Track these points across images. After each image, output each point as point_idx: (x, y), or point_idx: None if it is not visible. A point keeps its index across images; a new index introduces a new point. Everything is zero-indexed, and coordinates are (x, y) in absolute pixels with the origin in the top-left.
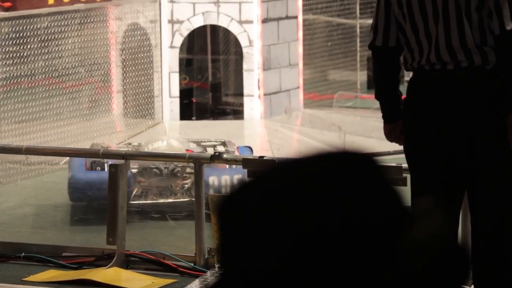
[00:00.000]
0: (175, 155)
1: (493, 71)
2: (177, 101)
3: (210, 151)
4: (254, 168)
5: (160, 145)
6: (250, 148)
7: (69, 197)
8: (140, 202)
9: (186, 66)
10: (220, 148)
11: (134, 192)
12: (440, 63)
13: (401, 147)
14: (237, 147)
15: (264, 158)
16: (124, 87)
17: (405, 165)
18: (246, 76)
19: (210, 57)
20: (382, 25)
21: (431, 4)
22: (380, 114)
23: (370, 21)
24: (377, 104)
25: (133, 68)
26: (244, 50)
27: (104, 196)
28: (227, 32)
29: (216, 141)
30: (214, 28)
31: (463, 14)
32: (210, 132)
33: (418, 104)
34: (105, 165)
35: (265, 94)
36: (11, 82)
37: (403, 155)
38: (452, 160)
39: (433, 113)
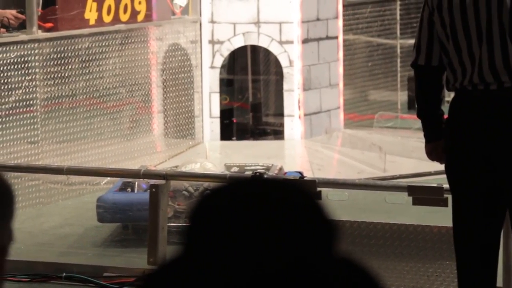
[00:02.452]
0: (215, 176)
1: None
2: (217, 121)
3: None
4: None
5: (194, 167)
6: (300, 173)
7: (96, 218)
8: (179, 224)
9: (227, 86)
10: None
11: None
12: (483, 83)
13: (442, 168)
14: (285, 172)
15: (305, 178)
16: (165, 107)
17: (446, 186)
18: (286, 96)
19: (250, 77)
20: (425, 44)
21: (475, 25)
22: (421, 134)
23: (410, 41)
24: (417, 124)
25: (174, 88)
26: (285, 70)
27: (132, 217)
28: (267, 52)
29: (261, 166)
30: (255, 49)
31: (507, 36)
32: (250, 153)
33: (460, 124)
34: (136, 186)
35: (305, 114)
36: (53, 102)
37: (444, 176)
38: (494, 180)
39: (475, 133)
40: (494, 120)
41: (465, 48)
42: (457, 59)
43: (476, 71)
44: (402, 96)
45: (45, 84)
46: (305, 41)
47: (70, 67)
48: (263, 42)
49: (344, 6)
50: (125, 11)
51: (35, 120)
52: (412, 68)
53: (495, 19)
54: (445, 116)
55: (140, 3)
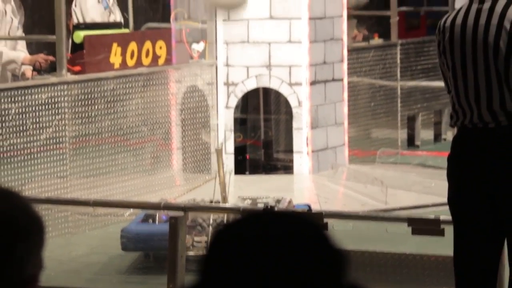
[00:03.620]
0: (230, 208)
1: None
2: (232, 157)
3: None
4: None
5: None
6: (308, 206)
7: (120, 247)
8: (197, 253)
9: (241, 125)
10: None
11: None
12: (482, 123)
13: (439, 200)
14: (294, 205)
15: (312, 211)
16: (183, 144)
17: (443, 217)
18: (295, 134)
19: (262, 117)
20: (443, 77)
21: (472, 71)
22: (418, 169)
23: (410, 83)
24: (417, 160)
25: (192, 127)
26: (294, 110)
27: (153, 247)
28: (278, 93)
29: (272, 199)
30: (266, 90)
31: (503, 80)
32: (262, 186)
33: (462, 159)
34: (157, 218)
35: (313, 151)
36: (80, 140)
37: (441, 208)
38: (493, 211)
39: (475, 168)
40: (492, 155)
41: (463, 92)
42: (458, 101)
43: (476, 112)
44: (402, 134)
45: (73, 123)
46: (312, 83)
47: (96, 107)
48: (274, 84)
49: (348, 50)
50: (147, 56)
51: (64, 156)
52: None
53: (492, 65)
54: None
55: (160, 48)
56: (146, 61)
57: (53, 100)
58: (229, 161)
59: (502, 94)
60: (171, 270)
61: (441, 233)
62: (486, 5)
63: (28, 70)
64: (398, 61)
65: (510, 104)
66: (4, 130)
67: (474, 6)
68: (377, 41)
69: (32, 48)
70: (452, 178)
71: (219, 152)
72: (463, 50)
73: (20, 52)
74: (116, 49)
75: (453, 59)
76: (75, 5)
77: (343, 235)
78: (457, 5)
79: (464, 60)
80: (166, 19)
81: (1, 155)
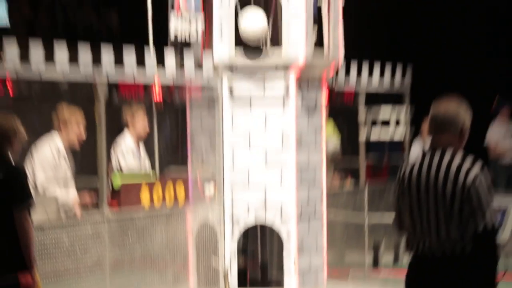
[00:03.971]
0: None
1: (471, 257)
2: (235, 277)
3: None
4: None
5: None
6: None
7: None
8: None
9: (243, 251)
10: None
11: None
12: (430, 252)
13: None
14: None
15: None
16: (198, 266)
17: None
18: (285, 258)
19: (259, 245)
20: (397, 215)
21: (426, 210)
22: (382, 285)
23: (375, 217)
24: (380, 277)
25: (204, 253)
26: (284, 240)
27: None
28: (271, 228)
29: None
30: (263, 225)
31: (448, 218)
32: None
33: (416, 280)
34: None
35: (299, 271)
36: (117, 263)
37: None
38: None
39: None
40: (438, 278)
41: (419, 225)
42: (413, 232)
43: (427, 241)
44: (369, 257)
45: (112, 250)
46: (299, 220)
47: (130, 237)
48: (268, 220)
49: (327, 193)
50: (169, 197)
51: (105, 276)
52: (393, 226)
53: (440, 206)
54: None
55: (180, 192)
56: (169, 202)
57: (96, 232)
58: (233, 278)
59: (448, 228)
60: None
61: None
62: (436, 159)
63: (77, 209)
64: (366, 200)
65: (455, 235)
66: (59, 255)
67: (427, 159)
68: (349, 185)
69: (80, 189)
70: None
71: (225, 276)
72: (419, 192)
73: (71, 195)
74: (145, 193)
75: (410, 199)
76: (114, 156)
77: None
78: (411, 157)
79: (419, 200)
80: (184, 162)
81: (57, 275)
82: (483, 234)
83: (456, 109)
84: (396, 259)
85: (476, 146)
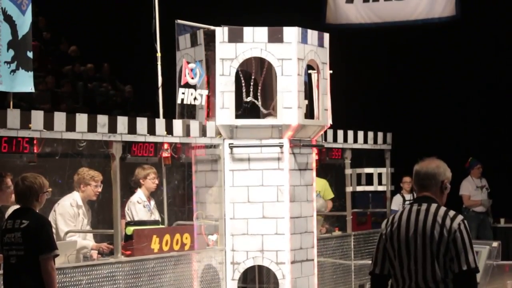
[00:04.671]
0: None
1: None
2: None
3: None
4: None
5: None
6: None
7: None
8: None
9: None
10: None
11: None
12: None
13: None
14: None
15: None
16: None
17: None
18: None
19: (257, 285)
20: (380, 260)
21: (414, 250)
22: None
23: (360, 262)
24: None
25: None
26: (280, 281)
27: None
28: (268, 269)
29: None
30: (260, 267)
31: (435, 259)
32: None
33: None
34: None
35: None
36: None
37: None
38: None
39: None
40: None
41: (406, 266)
42: (400, 273)
43: (414, 281)
44: None
45: None
46: (292, 262)
47: (141, 279)
48: (265, 263)
49: (317, 239)
50: (176, 243)
51: None
52: (370, 275)
53: (427, 248)
54: None
55: (186, 238)
56: (176, 247)
57: (111, 274)
58: None
59: (433, 269)
60: None
61: None
62: (423, 207)
63: (94, 253)
64: (352, 246)
65: (439, 275)
66: None
67: (414, 207)
68: (337, 233)
69: (97, 238)
70: None
71: None
72: (407, 236)
73: (89, 241)
74: (155, 239)
75: (399, 242)
76: (128, 209)
77: None
78: (393, 207)
79: (408, 242)
80: (190, 217)
81: None
82: (466, 273)
83: (437, 167)
84: None
85: (452, 197)
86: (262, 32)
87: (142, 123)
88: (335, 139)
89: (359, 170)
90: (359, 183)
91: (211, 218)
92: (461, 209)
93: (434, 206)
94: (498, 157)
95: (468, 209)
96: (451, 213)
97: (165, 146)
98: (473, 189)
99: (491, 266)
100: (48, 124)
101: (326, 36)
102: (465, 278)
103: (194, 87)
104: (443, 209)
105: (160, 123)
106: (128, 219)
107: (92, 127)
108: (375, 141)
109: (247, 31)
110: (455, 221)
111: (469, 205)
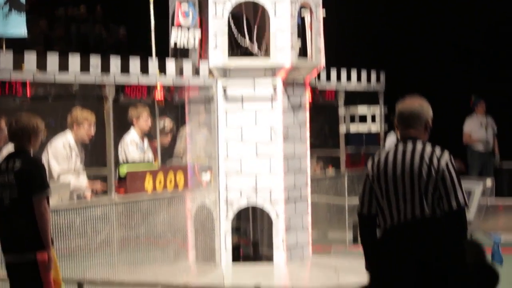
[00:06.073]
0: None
1: (443, 233)
2: (230, 252)
3: None
4: None
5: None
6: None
7: None
8: None
9: (236, 230)
10: None
11: None
12: (405, 229)
13: None
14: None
15: None
16: (196, 243)
17: None
18: (274, 236)
19: (251, 225)
20: (367, 201)
21: (402, 189)
22: (362, 260)
23: (353, 200)
24: (359, 252)
25: (202, 233)
26: (273, 220)
27: None
28: (262, 209)
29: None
30: (254, 207)
31: (423, 196)
32: (251, 271)
33: (389, 255)
34: None
35: (287, 247)
36: (124, 241)
37: None
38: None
39: (399, 260)
40: (411, 251)
41: (394, 205)
42: (388, 212)
43: (402, 219)
44: (349, 235)
45: (119, 229)
46: (286, 201)
47: (135, 219)
48: (259, 203)
49: (311, 179)
50: (170, 183)
51: (112, 253)
52: (358, 216)
53: (415, 187)
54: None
55: (180, 178)
56: (170, 186)
57: (105, 214)
58: (228, 255)
59: (422, 207)
60: None
61: None
62: (409, 146)
63: (88, 193)
64: (346, 185)
65: (428, 212)
66: (71, 234)
67: (400, 147)
68: (331, 172)
69: (90, 177)
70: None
71: None
72: (395, 175)
73: (82, 181)
74: (148, 179)
75: (386, 181)
76: (121, 149)
77: None
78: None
79: (396, 182)
80: (184, 158)
81: (70, 252)
82: (456, 211)
83: (420, 106)
84: None
85: (455, 135)
86: None
87: (135, 63)
88: (328, 78)
89: (352, 111)
90: (352, 123)
91: (205, 158)
92: (465, 148)
93: (420, 145)
94: (502, 94)
95: (472, 149)
96: (438, 151)
97: (158, 87)
98: (476, 127)
99: (485, 205)
100: (41, 65)
101: None
102: (455, 216)
103: (187, 29)
104: (429, 147)
105: (153, 63)
106: (121, 160)
107: (85, 68)
108: (368, 80)
109: None
110: (442, 159)
111: (467, 142)
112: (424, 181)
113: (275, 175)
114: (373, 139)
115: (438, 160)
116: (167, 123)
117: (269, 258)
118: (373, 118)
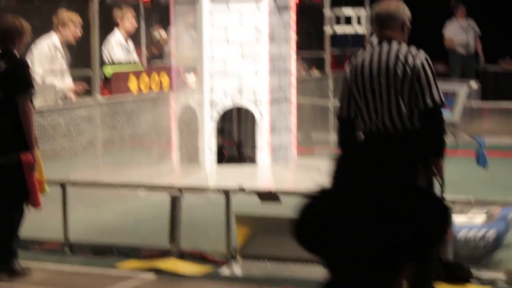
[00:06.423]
0: (211, 189)
1: (418, 132)
2: (214, 153)
3: None
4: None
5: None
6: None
7: None
8: None
9: (221, 131)
10: None
11: None
12: (383, 128)
13: None
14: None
15: (272, 192)
16: (180, 145)
17: None
18: (259, 137)
19: (236, 125)
20: (346, 104)
21: (378, 90)
22: None
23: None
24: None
25: (186, 133)
26: (258, 121)
27: None
28: (247, 110)
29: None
30: (239, 108)
31: (399, 97)
32: (235, 172)
33: (367, 157)
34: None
35: (271, 149)
36: (108, 142)
37: None
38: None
39: (376, 161)
40: (389, 152)
41: (372, 105)
42: (367, 112)
43: (380, 120)
44: (333, 136)
45: (103, 131)
46: (271, 102)
47: (119, 120)
48: (244, 103)
49: (297, 80)
50: (155, 84)
51: (97, 154)
52: (337, 119)
53: (391, 86)
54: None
55: (164, 78)
56: (154, 87)
57: (89, 115)
58: (212, 155)
59: (398, 106)
60: (172, 233)
61: None
62: (385, 47)
63: (72, 95)
64: (331, 86)
65: (405, 113)
66: (56, 136)
67: (377, 48)
68: (315, 73)
69: (75, 78)
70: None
71: None
72: (371, 76)
73: (66, 83)
74: (133, 79)
75: (363, 83)
76: (105, 49)
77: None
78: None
79: (372, 82)
80: (169, 59)
81: (55, 154)
82: (432, 109)
83: (396, 7)
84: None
85: (435, 39)
86: None
87: None
88: None
89: (338, 12)
90: (338, 24)
91: (190, 59)
92: (446, 52)
93: (395, 45)
94: None
95: (454, 52)
96: (413, 50)
97: None
98: (456, 31)
99: (470, 107)
100: None
101: None
102: (431, 113)
103: None
104: (405, 47)
105: None
106: (106, 61)
107: None
108: None
109: None
110: (417, 58)
111: (449, 46)
112: (399, 80)
113: (260, 76)
114: (359, 41)
115: (414, 59)
116: (162, 33)
117: (253, 159)
118: (359, 20)
